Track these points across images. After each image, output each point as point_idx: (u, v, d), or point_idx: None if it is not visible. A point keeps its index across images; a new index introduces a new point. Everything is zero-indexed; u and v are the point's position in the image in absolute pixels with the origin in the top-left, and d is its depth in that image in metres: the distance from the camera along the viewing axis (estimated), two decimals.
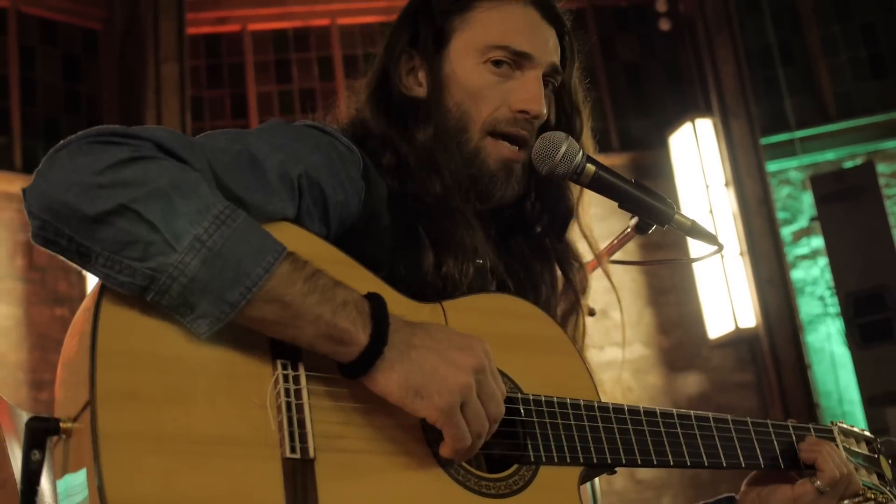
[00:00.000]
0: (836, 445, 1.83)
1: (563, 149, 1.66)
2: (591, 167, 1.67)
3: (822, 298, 8.13)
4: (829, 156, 8.54)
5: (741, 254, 7.84)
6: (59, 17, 8.16)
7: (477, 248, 1.63)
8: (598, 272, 1.82)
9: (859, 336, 7.17)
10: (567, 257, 1.79)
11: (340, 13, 8.70)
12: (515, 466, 1.48)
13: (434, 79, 1.70)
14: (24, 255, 7.18)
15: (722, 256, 7.47)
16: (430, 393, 1.31)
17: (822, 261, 7.90)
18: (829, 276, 7.68)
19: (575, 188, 1.79)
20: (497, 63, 1.68)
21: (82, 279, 7.08)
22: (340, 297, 1.32)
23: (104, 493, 1.16)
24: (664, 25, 8.71)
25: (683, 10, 8.74)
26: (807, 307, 8.20)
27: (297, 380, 1.33)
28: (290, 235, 1.39)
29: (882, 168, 8.17)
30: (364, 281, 1.41)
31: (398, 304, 1.42)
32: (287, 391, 1.31)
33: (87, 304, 1.31)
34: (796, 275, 8.26)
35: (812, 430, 1.83)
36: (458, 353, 1.34)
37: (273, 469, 1.27)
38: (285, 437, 1.28)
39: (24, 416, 1.64)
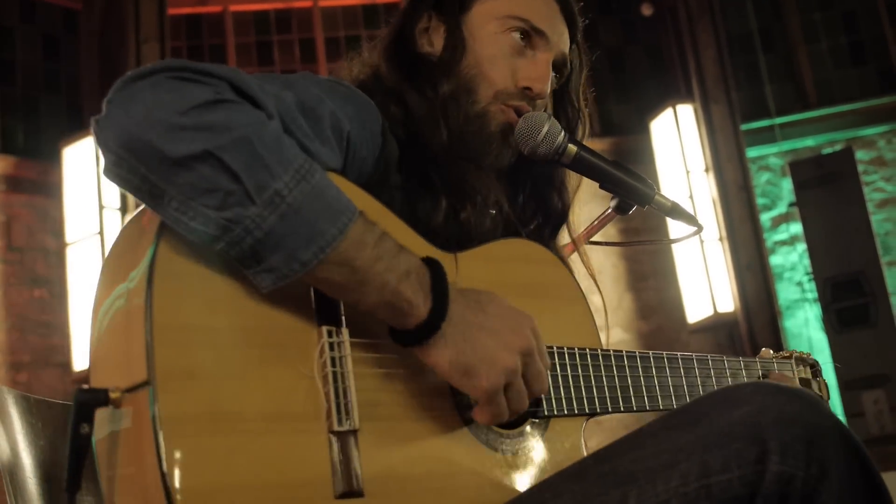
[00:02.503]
0: (793, 374, 2.02)
1: (545, 128, 1.68)
2: (572, 147, 1.71)
3: (800, 284, 8.18)
4: (809, 142, 8.58)
5: (720, 239, 7.87)
6: None
7: (491, 193, 1.65)
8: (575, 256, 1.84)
9: (836, 321, 7.23)
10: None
11: None
12: (529, 422, 1.53)
13: (452, 40, 1.73)
14: (3, 235, 7.12)
15: (701, 241, 7.51)
16: (479, 374, 1.33)
17: (801, 247, 7.94)
18: (807, 261, 7.74)
19: (572, 181, 1.83)
20: (516, 34, 1.72)
21: (61, 260, 7.02)
22: (404, 265, 1.31)
23: (169, 480, 1.15)
24: (646, 10, 8.71)
25: None
26: (785, 293, 8.26)
27: (341, 347, 1.33)
28: (341, 186, 1.36)
29: (861, 155, 8.23)
30: (398, 231, 1.40)
31: (424, 252, 1.41)
32: (333, 360, 1.31)
33: (118, 276, 1.28)
34: (775, 260, 8.31)
35: (774, 363, 1.99)
36: (510, 334, 1.36)
37: (321, 442, 1.28)
38: (332, 410, 1.29)
39: (6, 394, 1.64)
